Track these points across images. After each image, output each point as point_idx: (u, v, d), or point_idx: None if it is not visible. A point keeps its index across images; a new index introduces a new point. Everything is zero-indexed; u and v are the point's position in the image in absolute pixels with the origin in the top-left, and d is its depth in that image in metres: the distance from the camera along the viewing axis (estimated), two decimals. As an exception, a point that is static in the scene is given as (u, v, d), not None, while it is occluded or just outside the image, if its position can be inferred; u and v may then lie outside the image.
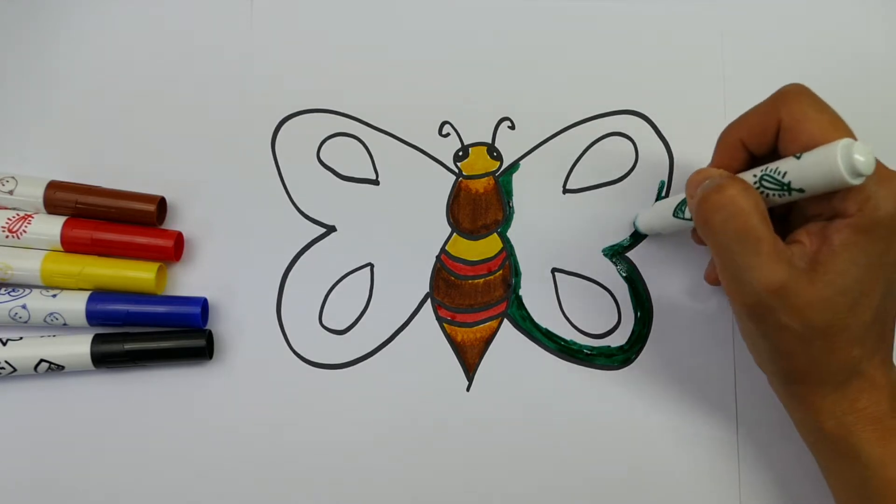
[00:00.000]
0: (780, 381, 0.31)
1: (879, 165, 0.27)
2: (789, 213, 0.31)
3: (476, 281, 0.37)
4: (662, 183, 0.38)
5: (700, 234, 0.29)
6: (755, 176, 0.28)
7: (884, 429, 0.29)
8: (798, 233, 0.29)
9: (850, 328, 0.28)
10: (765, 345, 0.30)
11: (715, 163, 0.32)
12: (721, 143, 0.31)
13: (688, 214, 0.32)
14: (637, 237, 0.38)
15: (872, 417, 0.29)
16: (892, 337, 0.30)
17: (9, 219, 0.35)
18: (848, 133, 0.27)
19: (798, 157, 0.27)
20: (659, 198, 0.38)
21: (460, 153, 0.38)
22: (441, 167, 0.38)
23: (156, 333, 0.35)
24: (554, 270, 0.38)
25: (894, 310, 0.30)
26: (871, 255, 0.27)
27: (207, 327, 0.36)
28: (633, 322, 0.37)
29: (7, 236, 0.35)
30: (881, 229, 0.27)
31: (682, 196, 0.32)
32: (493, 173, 0.38)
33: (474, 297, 0.37)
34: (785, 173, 0.27)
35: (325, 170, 0.38)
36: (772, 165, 0.28)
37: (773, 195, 0.28)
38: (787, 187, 0.27)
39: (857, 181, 0.26)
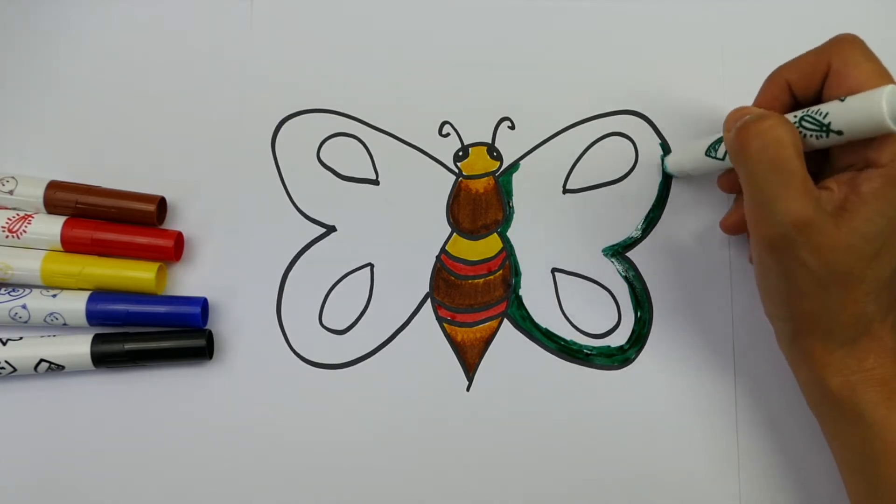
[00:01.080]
0: (789, 332, 0.31)
1: None
2: (820, 170, 0.31)
3: (476, 281, 0.37)
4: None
5: (733, 162, 0.29)
6: (795, 117, 0.29)
7: (890, 391, 0.29)
8: (828, 180, 0.29)
9: (868, 280, 0.28)
10: (781, 285, 0.30)
11: (758, 102, 0.32)
12: (767, 83, 0.32)
13: (720, 153, 0.32)
14: (639, 236, 0.38)
15: (879, 379, 0.29)
16: None
17: (9, 219, 0.35)
18: (893, 82, 0.27)
19: (842, 100, 0.27)
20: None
21: (460, 153, 0.38)
22: (441, 167, 0.38)
23: (156, 333, 0.35)
24: (554, 270, 0.38)
25: None
26: None
27: (207, 327, 0.36)
28: (633, 322, 0.37)
29: (7, 236, 0.35)
30: None
31: (715, 136, 0.32)
32: (493, 173, 0.38)
33: (474, 297, 0.37)
34: (826, 114, 0.28)
35: (325, 170, 0.38)
36: (813, 108, 0.28)
37: (811, 136, 0.28)
38: (826, 128, 0.28)
39: None
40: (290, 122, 0.38)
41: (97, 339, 0.35)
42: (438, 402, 0.36)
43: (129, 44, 0.39)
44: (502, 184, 0.38)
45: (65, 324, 0.35)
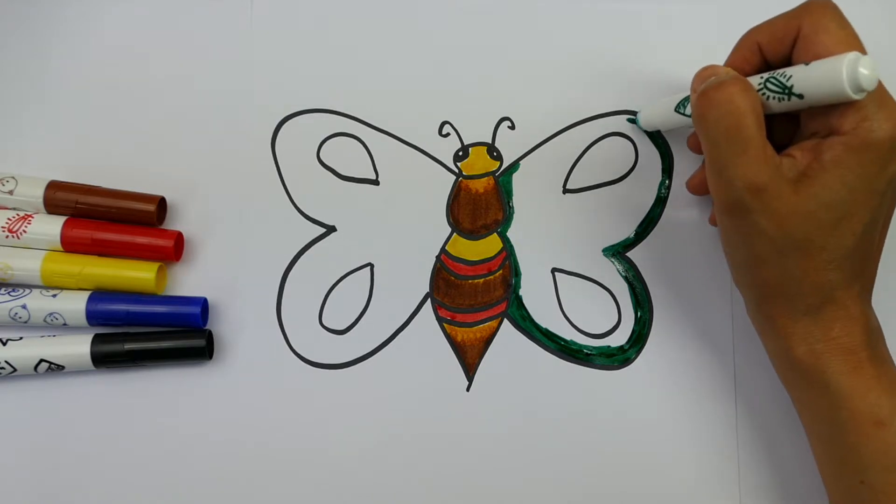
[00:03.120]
0: (754, 299, 0.31)
1: (882, 90, 0.27)
2: (791, 138, 0.31)
3: (476, 281, 0.37)
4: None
5: (695, 126, 0.29)
6: (762, 78, 0.29)
7: (856, 360, 0.29)
8: (792, 148, 0.29)
9: (829, 248, 0.28)
10: (741, 250, 0.30)
11: (729, 62, 0.32)
12: (739, 44, 0.32)
13: (689, 111, 0.32)
14: (639, 236, 0.38)
15: (845, 348, 0.29)
16: (873, 270, 0.30)
17: (9, 219, 0.35)
18: (861, 50, 0.27)
19: (807, 64, 0.27)
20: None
21: (460, 153, 0.38)
22: (441, 167, 0.38)
23: (156, 333, 0.35)
24: (554, 270, 0.38)
25: (879, 243, 0.30)
26: (860, 177, 0.27)
27: (207, 327, 0.36)
28: (633, 322, 0.37)
29: (7, 236, 0.35)
30: (873, 151, 0.27)
31: (685, 93, 0.33)
32: (493, 173, 0.38)
33: (474, 296, 0.37)
34: (790, 77, 0.27)
35: (325, 170, 0.38)
36: (780, 70, 0.28)
37: (774, 98, 0.28)
38: (788, 91, 0.27)
39: (857, 95, 0.26)
40: (290, 122, 0.38)
41: (97, 339, 0.35)
42: (438, 402, 0.36)
43: (129, 43, 0.39)
44: (502, 184, 0.38)
45: (65, 324, 0.35)
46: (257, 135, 0.38)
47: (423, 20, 0.39)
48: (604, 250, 0.38)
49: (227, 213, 0.37)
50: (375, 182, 0.38)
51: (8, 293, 0.35)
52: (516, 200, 0.38)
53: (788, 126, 0.31)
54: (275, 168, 0.38)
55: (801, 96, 0.27)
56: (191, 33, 0.39)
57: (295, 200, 0.38)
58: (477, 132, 0.38)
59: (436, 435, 0.36)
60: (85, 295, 0.35)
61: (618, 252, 0.38)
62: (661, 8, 0.39)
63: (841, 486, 0.31)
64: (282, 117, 0.38)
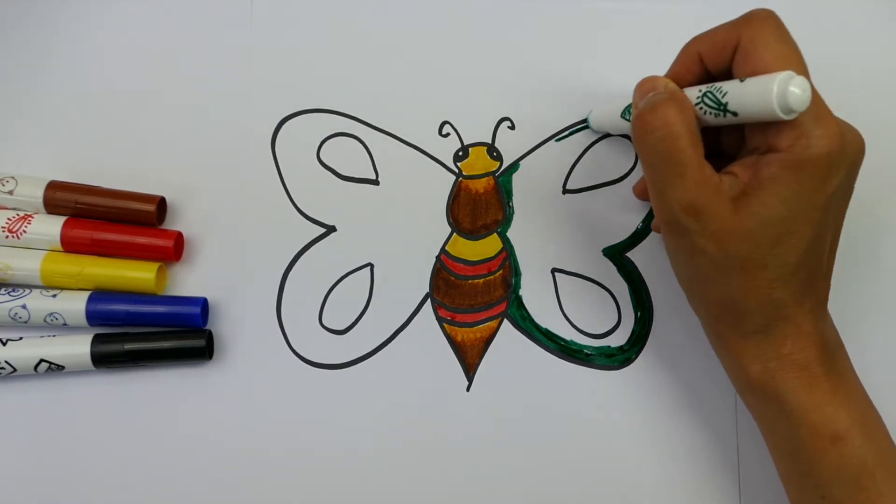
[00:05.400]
0: (704, 317, 0.31)
1: (821, 105, 0.27)
2: (737, 152, 0.31)
3: (476, 281, 0.37)
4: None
5: (634, 146, 0.29)
6: (700, 91, 0.28)
7: (810, 376, 0.29)
8: (734, 165, 0.29)
9: (771, 267, 0.28)
10: (686, 270, 0.30)
11: (671, 71, 0.32)
12: (681, 53, 0.31)
13: None
14: (637, 236, 0.38)
15: (798, 364, 0.29)
16: (823, 287, 0.30)
17: (9, 219, 0.35)
18: (800, 69, 0.27)
19: (742, 81, 0.27)
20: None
21: (460, 153, 0.38)
22: (441, 167, 0.38)
23: (156, 333, 0.35)
24: (554, 270, 0.38)
25: (829, 258, 0.30)
26: (799, 194, 0.27)
27: (207, 327, 0.36)
28: (633, 322, 0.37)
29: (7, 236, 0.35)
30: (810, 169, 0.27)
31: (630, 99, 0.32)
32: (493, 173, 0.38)
33: (474, 297, 0.37)
34: (725, 93, 0.27)
35: (325, 170, 0.38)
36: (718, 84, 0.28)
37: (710, 114, 0.28)
38: (723, 108, 0.27)
39: (787, 116, 0.25)
40: (290, 122, 0.38)
41: (97, 340, 0.35)
42: (438, 402, 0.36)
43: (129, 43, 0.39)
44: (502, 184, 0.38)
45: (65, 324, 0.35)
46: (257, 135, 0.38)
47: (423, 20, 0.39)
48: (604, 250, 0.38)
49: (227, 213, 0.37)
50: (375, 182, 0.38)
51: (8, 293, 0.35)
52: (516, 200, 0.38)
53: (738, 137, 0.31)
54: (275, 168, 0.38)
55: (735, 114, 0.27)
56: (191, 33, 0.39)
57: (295, 200, 0.38)
58: (477, 132, 0.38)
59: (436, 435, 0.36)
60: (85, 295, 0.35)
61: (618, 252, 0.38)
62: (661, 8, 0.39)
63: (803, 502, 0.31)
64: (282, 117, 0.38)
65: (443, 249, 0.38)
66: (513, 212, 0.38)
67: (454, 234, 0.38)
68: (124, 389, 0.36)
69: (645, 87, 0.30)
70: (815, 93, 0.27)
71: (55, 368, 0.35)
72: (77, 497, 0.35)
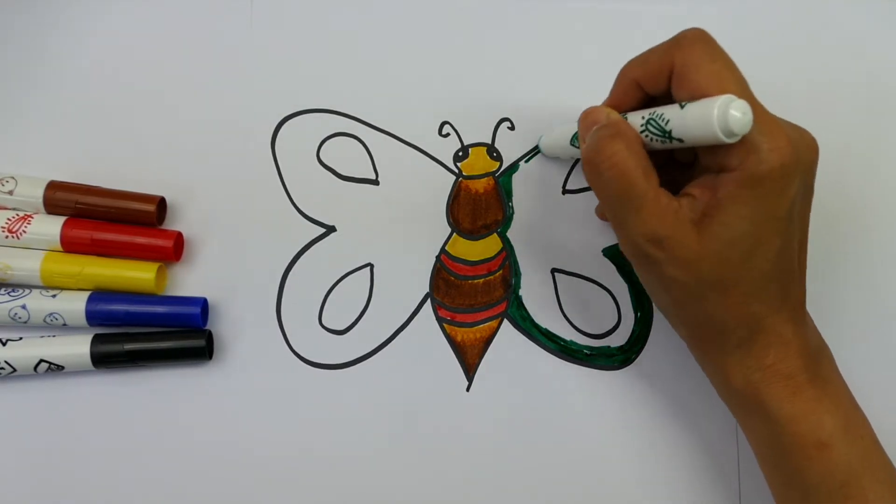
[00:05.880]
0: (685, 337, 0.31)
1: (768, 119, 0.27)
2: (693, 164, 0.31)
3: (476, 281, 0.37)
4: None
5: (587, 181, 0.29)
6: (643, 118, 0.28)
7: (794, 385, 0.29)
8: (691, 185, 0.29)
9: (743, 283, 0.28)
10: (660, 297, 0.30)
11: (611, 98, 0.31)
12: (618, 80, 0.31)
13: None
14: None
15: (781, 374, 0.29)
16: (799, 292, 0.30)
17: (9, 219, 0.35)
18: (737, 87, 0.27)
19: (682, 107, 0.27)
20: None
21: (460, 153, 0.38)
22: (441, 167, 0.38)
23: (156, 333, 0.35)
24: (554, 270, 0.38)
25: (800, 263, 0.30)
26: (759, 210, 0.27)
27: (207, 327, 0.36)
28: (633, 322, 0.37)
29: (7, 236, 0.35)
30: (765, 183, 0.26)
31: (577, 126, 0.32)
32: (493, 173, 0.38)
33: (474, 297, 0.37)
34: (668, 121, 0.27)
35: (325, 170, 0.38)
36: (659, 110, 0.28)
37: (656, 141, 0.28)
38: (668, 135, 0.27)
39: (730, 140, 0.25)
40: (290, 122, 0.38)
41: (97, 340, 0.35)
42: (438, 402, 0.36)
43: (129, 43, 0.39)
44: (502, 184, 0.38)
45: (64, 324, 0.35)
46: (257, 135, 0.38)
47: (423, 20, 0.39)
48: (604, 250, 0.38)
49: (227, 213, 0.37)
50: (375, 182, 0.38)
51: (8, 293, 0.35)
52: (516, 201, 0.38)
53: (690, 149, 0.31)
54: (275, 168, 0.38)
55: (680, 140, 0.27)
56: (191, 33, 0.39)
57: (295, 200, 0.38)
58: (477, 132, 0.38)
59: (436, 435, 0.36)
60: (85, 295, 0.35)
61: (618, 252, 0.38)
62: (662, 8, 0.39)
63: None
64: (282, 117, 0.38)
65: (443, 249, 0.38)
66: (513, 212, 0.38)
67: (454, 234, 0.38)
68: (124, 389, 0.36)
69: (588, 120, 0.30)
70: (759, 106, 0.27)
71: (55, 368, 0.35)
72: (77, 497, 0.35)
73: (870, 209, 0.38)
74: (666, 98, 0.29)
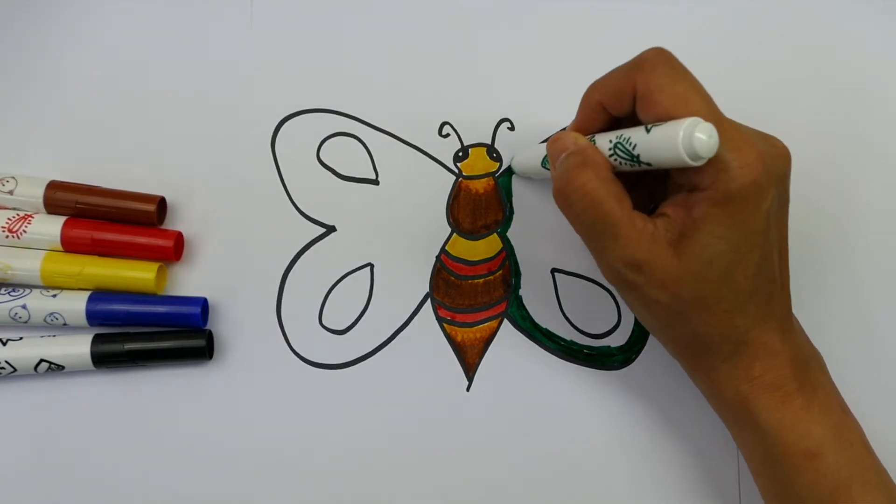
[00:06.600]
0: (674, 355, 0.31)
1: (736, 134, 0.26)
2: (667, 178, 0.31)
3: (476, 281, 0.37)
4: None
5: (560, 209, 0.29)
6: (611, 141, 0.28)
7: (783, 394, 0.29)
8: (665, 205, 0.29)
9: (725, 300, 0.28)
10: (644, 318, 0.30)
11: (577, 122, 0.31)
12: (582, 103, 0.31)
13: None
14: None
15: (770, 384, 0.29)
16: (782, 300, 0.30)
17: (9, 219, 0.35)
18: (702, 107, 0.26)
19: (648, 130, 0.26)
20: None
21: (460, 153, 0.38)
22: (441, 167, 0.38)
23: (156, 333, 0.35)
24: (554, 270, 0.38)
25: (782, 272, 0.30)
26: (734, 227, 0.27)
27: (207, 327, 0.36)
28: (633, 322, 0.37)
29: (7, 236, 0.35)
30: (738, 200, 0.26)
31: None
32: (493, 174, 0.38)
33: (474, 297, 0.37)
34: (635, 145, 0.27)
35: (325, 170, 0.38)
36: (626, 133, 0.27)
37: (625, 164, 0.28)
38: (636, 159, 0.27)
39: (696, 163, 0.25)
40: (290, 122, 0.38)
41: (97, 340, 0.35)
42: (438, 402, 0.36)
43: (130, 43, 0.39)
44: (502, 184, 0.38)
45: (65, 324, 0.35)
46: (257, 135, 0.38)
47: (423, 20, 0.39)
48: (604, 250, 0.38)
49: (227, 213, 0.37)
50: (375, 182, 0.38)
51: (8, 293, 0.35)
52: (516, 201, 0.38)
53: (660, 173, 0.31)
54: (275, 168, 0.38)
55: (649, 164, 0.27)
56: (191, 33, 0.39)
57: (295, 200, 0.38)
58: (477, 133, 0.38)
59: (436, 435, 0.36)
60: (85, 295, 0.35)
61: (618, 252, 0.38)
62: (662, 9, 0.39)
63: None
64: (282, 117, 0.38)
65: (443, 249, 0.38)
66: (513, 212, 0.38)
67: (454, 234, 0.38)
68: (124, 389, 0.36)
69: (556, 146, 0.29)
70: (727, 122, 0.26)
71: (55, 368, 0.35)
72: (77, 497, 0.35)
73: (858, 211, 0.38)
74: (633, 118, 0.28)
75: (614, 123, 0.30)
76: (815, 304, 0.37)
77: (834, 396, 0.30)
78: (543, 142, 0.37)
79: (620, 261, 0.27)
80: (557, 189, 0.28)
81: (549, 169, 0.32)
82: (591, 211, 0.27)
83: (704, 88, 0.27)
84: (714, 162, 0.26)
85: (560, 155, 0.29)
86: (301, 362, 0.36)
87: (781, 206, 0.29)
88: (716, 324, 0.28)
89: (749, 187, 0.26)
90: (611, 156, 0.28)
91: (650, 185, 0.31)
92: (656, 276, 0.27)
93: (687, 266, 0.27)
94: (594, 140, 0.29)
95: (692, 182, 0.27)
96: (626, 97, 0.28)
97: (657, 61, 0.27)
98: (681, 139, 0.25)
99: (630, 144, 0.27)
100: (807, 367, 0.30)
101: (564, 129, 0.34)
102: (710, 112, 0.26)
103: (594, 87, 0.30)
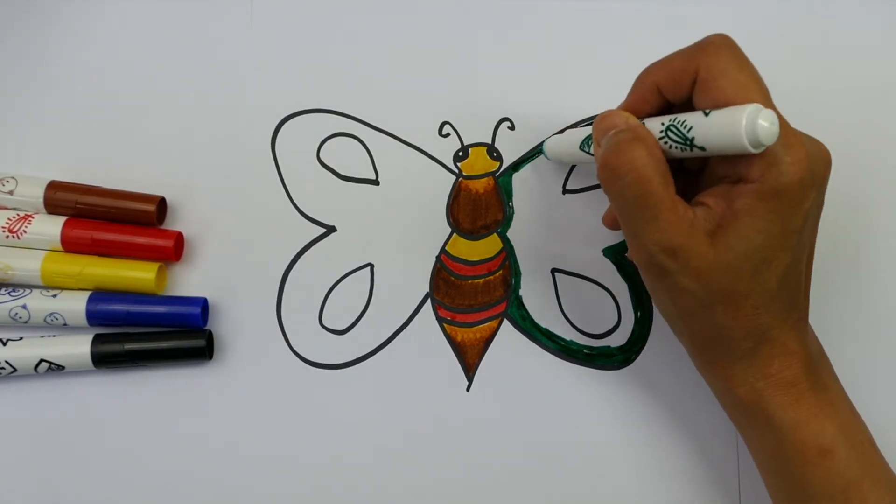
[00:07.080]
0: (690, 347, 0.31)
1: (789, 131, 0.26)
2: (702, 171, 0.30)
3: (476, 281, 0.37)
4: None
5: (603, 188, 0.29)
6: (663, 124, 0.28)
7: (796, 392, 0.29)
8: (705, 194, 0.28)
9: (755, 294, 0.28)
10: (669, 307, 0.30)
11: (628, 103, 0.31)
12: (637, 85, 0.30)
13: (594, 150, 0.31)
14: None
15: (784, 382, 0.29)
16: (804, 303, 0.30)
17: (9, 219, 0.35)
18: (763, 97, 0.26)
19: (706, 114, 0.26)
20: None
21: (460, 153, 0.38)
22: (441, 167, 0.38)
23: (156, 333, 0.35)
24: (554, 270, 0.38)
25: (806, 274, 0.30)
26: (775, 223, 0.27)
27: (207, 327, 0.36)
28: (633, 322, 0.37)
29: (7, 236, 0.35)
30: (784, 197, 0.26)
31: (589, 129, 0.31)
32: (493, 174, 0.38)
33: (474, 297, 0.37)
34: (691, 128, 0.26)
35: (325, 170, 0.38)
36: (681, 117, 0.27)
37: (676, 148, 0.27)
38: (690, 143, 0.27)
39: (757, 150, 0.25)
40: (290, 122, 0.38)
41: (97, 340, 0.35)
42: (438, 402, 0.36)
43: (129, 43, 0.39)
44: (502, 184, 0.38)
45: (65, 324, 0.35)
46: (257, 135, 0.38)
47: (422, 20, 0.39)
48: (604, 250, 0.38)
49: (227, 213, 0.37)
50: (375, 182, 0.38)
51: (8, 293, 0.35)
52: (516, 200, 0.38)
53: (694, 163, 0.31)
54: (275, 168, 0.38)
55: (703, 148, 0.26)
56: (191, 33, 0.39)
57: (295, 200, 0.38)
58: (477, 132, 0.38)
59: (436, 435, 0.36)
60: (85, 295, 0.35)
61: (618, 252, 0.38)
62: (663, 9, 0.39)
63: None
64: (282, 117, 0.38)
65: (443, 249, 0.38)
66: (513, 212, 0.38)
67: (454, 234, 0.38)
68: (124, 389, 0.36)
69: (605, 124, 0.29)
70: (781, 118, 0.26)
71: (55, 368, 0.35)
72: (77, 497, 0.35)
73: (869, 214, 0.38)
74: (684, 106, 0.28)
75: (662, 111, 0.30)
76: (822, 306, 0.37)
77: (842, 396, 0.31)
78: (587, 124, 0.37)
79: (657, 244, 0.27)
80: (604, 162, 0.28)
81: (587, 151, 0.32)
82: (637, 186, 0.27)
83: (763, 81, 0.27)
84: (766, 155, 0.26)
85: (609, 132, 0.28)
86: (301, 362, 0.36)
87: (817, 210, 0.29)
88: (740, 319, 0.28)
89: (795, 185, 0.26)
90: (661, 139, 0.28)
91: (682, 180, 0.31)
92: (690, 263, 0.27)
93: (722, 257, 0.27)
94: (643, 123, 0.29)
95: (739, 173, 0.27)
96: (686, 79, 0.28)
97: (722, 46, 0.27)
98: (744, 124, 0.25)
99: (685, 127, 0.27)
100: (818, 368, 0.30)
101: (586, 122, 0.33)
102: (769, 105, 0.27)
103: (651, 68, 0.30)
